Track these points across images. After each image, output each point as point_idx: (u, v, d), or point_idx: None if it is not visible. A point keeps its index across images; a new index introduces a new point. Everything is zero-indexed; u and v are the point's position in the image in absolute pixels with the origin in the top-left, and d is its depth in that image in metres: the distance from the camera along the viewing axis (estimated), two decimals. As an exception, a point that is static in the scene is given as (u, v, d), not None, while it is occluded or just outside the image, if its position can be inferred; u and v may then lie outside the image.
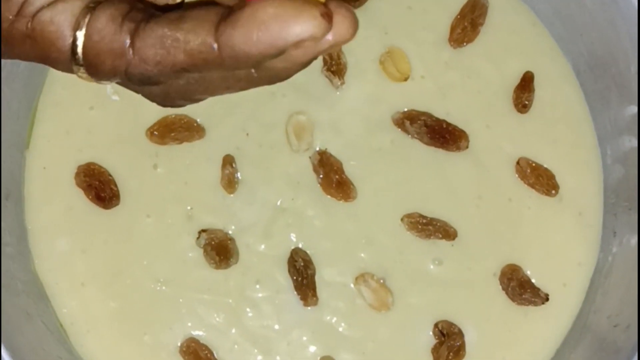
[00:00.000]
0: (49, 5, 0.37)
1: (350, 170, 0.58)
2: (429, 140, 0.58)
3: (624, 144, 0.58)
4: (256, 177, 0.58)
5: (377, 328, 0.57)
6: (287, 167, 0.58)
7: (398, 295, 0.57)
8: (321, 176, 0.58)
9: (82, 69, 0.37)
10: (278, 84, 0.57)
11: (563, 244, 0.59)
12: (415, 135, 0.59)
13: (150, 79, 0.37)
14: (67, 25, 0.37)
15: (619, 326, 0.54)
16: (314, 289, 0.57)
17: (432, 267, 0.58)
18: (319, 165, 0.58)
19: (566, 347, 0.58)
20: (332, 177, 0.58)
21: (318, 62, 0.59)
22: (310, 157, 0.58)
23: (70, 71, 0.38)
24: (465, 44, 0.60)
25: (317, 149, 0.58)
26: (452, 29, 0.60)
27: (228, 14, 0.35)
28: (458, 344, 0.56)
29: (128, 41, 0.36)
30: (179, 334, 0.57)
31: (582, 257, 0.59)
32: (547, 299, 0.57)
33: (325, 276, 0.57)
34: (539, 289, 0.58)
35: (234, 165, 0.58)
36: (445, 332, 0.57)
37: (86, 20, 0.36)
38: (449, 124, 0.59)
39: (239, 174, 0.58)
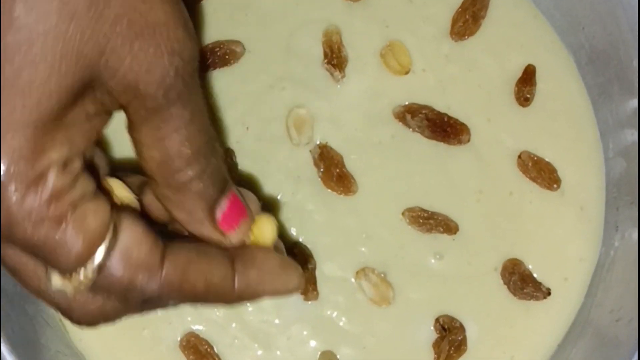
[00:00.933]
0: (81, 199, 0.36)
1: (351, 164, 0.58)
2: (430, 134, 0.58)
3: (625, 138, 0.58)
4: (256, 171, 0.58)
5: (377, 323, 0.57)
6: (287, 161, 0.58)
7: (399, 290, 0.57)
8: (322, 170, 0.57)
9: (84, 277, 0.36)
10: (277, 76, 0.58)
11: (565, 239, 0.59)
12: (416, 129, 0.58)
13: (158, 302, 0.39)
14: (98, 228, 0.36)
15: (620, 321, 0.54)
16: (314, 284, 0.56)
17: (433, 261, 0.57)
18: (319, 159, 0.57)
19: (568, 341, 0.58)
20: (333, 171, 0.57)
21: (318, 55, 0.59)
22: (310, 151, 0.58)
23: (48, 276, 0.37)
24: (466, 37, 0.60)
25: (318, 142, 0.58)
26: (454, 22, 0.60)
27: (239, 254, 0.40)
28: (459, 338, 0.56)
29: (159, 260, 0.37)
30: (178, 328, 0.56)
31: (583, 251, 0.59)
32: (549, 294, 0.57)
33: (325, 271, 0.57)
34: (540, 284, 0.57)
35: (233, 159, 0.57)
36: (446, 327, 0.56)
37: (118, 226, 0.36)
38: (450, 118, 0.58)
39: (238, 168, 0.58)
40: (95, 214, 0.36)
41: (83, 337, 0.57)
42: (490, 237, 0.58)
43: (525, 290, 0.57)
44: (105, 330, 0.56)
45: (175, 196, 0.39)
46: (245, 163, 0.58)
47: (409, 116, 0.58)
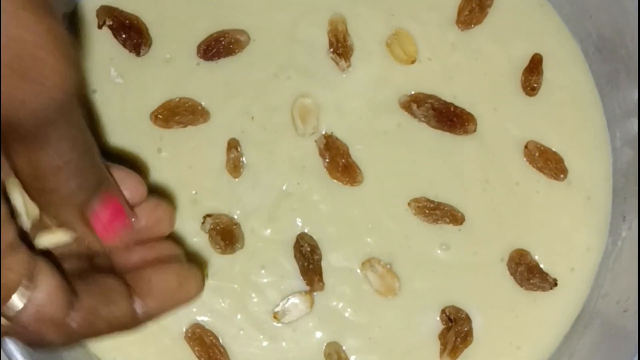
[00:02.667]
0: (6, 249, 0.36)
1: (357, 154, 0.58)
2: (436, 123, 0.58)
3: (633, 127, 0.57)
4: (261, 161, 0.57)
5: (383, 313, 0.56)
6: (293, 151, 0.57)
7: (405, 281, 0.57)
8: (327, 160, 0.57)
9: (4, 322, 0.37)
10: (282, 65, 0.57)
11: (571, 229, 0.58)
12: (422, 119, 0.58)
13: (67, 345, 0.39)
14: (15, 281, 0.36)
15: (628, 311, 0.54)
16: (320, 274, 0.56)
17: (439, 252, 0.57)
18: (324, 149, 0.57)
19: (574, 332, 0.58)
20: (338, 161, 0.57)
21: (324, 44, 0.58)
22: (315, 141, 0.57)
23: None
24: (472, 25, 0.60)
25: (323, 132, 0.58)
26: (460, 10, 0.59)
27: (136, 281, 0.41)
28: (465, 329, 0.56)
29: (69, 315, 0.38)
30: (183, 319, 0.56)
31: (590, 241, 0.59)
32: (556, 284, 0.57)
33: (331, 261, 0.57)
34: (547, 274, 0.57)
35: (239, 149, 0.57)
36: (452, 318, 0.56)
37: (36, 280, 0.37)
38: (456, 107, 0.58)
39: (244, 158, 0.57)
40: (17, 264, 0.36)
41: (88, 328, 0.56)
42: (497, 228, 0.58)
43: (531, 281, 0.57)
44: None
45: (42, 199, 0.38)
46: (250, 153, 0.57)
47: (414, 106, 0.58)
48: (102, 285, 0.40)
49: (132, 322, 0.41)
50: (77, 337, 0.39)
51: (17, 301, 0.36)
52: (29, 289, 0.36)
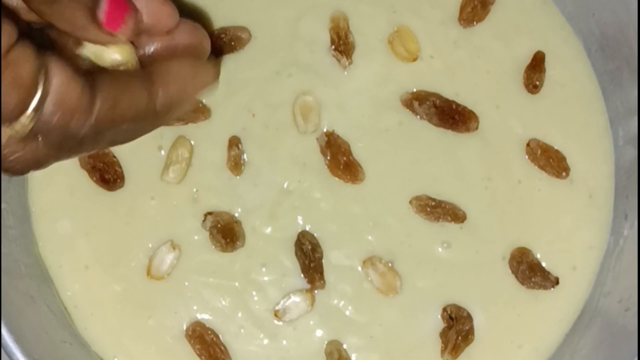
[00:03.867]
0: (9, 48, 0.36)
1: (358, 151, 0.57)
2: (438, 121, 0.58)
3: (635, 125, 0.57)
4: (262, 159, 0.57)
5: (385, 312, 0.56)
6: (294, 149, 0.57)
7: (406, 279, 0.57)
8: (328, 158, 0.57)
9: (21, 125, 0.36)
10: (284, 63, 0.57)
11: (573, 227, 0.58)
12: (424, 116, 0.58)
13: (91, 142, 0.40)
14: (30, 76, 0.36)
15: (630, 310, 0.54)
16: (321, 273, 0.56)
17: (440, 250, 0.57)
18: (326, 147, 0.57)
19: (576, 331, 0.57)
20: (340, 158, 0.57)
21: (325, 41, 0.58)
22: (317, 139, 0.57)
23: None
24: (475, 23, 0.59)
25: (324, 130, 0.57)
26: (462, 7, 0.59)
27: (155, 72, 0.41)
28: (467, 328, 0.56)
29: (90, 100, 0.38)
30: (184, 317, 0.56)
31: (592, 240, 0.58)
32: (557, 283, 0.57)
33: (332, 259, 0.57)
34: (548, 273, 0.57)
35: (240, 146, 0.57)
36: (453, 316, 0.56)
37: (49, 71, 0.36)
38: (458, 105, 0.58)
39: (245, 156, 0.57)
40: (25, 62, 0.36)
41: (88, 325, 0.56)
42: (499, 226, 0.58)
43: (533, 280, 0.57)
44: (110, 319, 0.56)
45: (52, 8, 0.38)
46: (251, 150, 0.57)
47: (416, 103, 0.58)
48: (120, 75, 0.40)
49: (151, 112, 0.41)
50: (104, 129, 0.39)
51: (37, 98, 0.36)
52: (46, 82, 0.36)
